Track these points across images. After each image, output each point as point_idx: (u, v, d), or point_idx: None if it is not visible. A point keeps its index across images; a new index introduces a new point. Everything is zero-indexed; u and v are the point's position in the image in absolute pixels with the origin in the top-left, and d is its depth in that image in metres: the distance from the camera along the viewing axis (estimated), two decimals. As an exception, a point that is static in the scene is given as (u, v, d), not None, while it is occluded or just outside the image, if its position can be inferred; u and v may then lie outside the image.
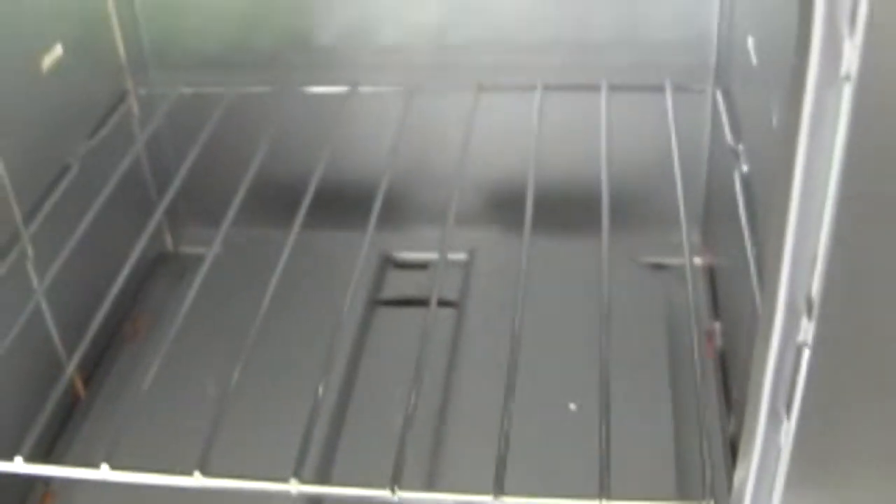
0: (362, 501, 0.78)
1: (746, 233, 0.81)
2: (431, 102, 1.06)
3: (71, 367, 0.81)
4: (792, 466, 0.55)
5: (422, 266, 1.13)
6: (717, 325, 1.01)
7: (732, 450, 0.87)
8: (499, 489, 0.66)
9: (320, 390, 0.77)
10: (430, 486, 0.86)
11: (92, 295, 0.91)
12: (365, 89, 1.06)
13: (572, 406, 0.91)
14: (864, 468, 0.53)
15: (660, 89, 1.01)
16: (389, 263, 1.14)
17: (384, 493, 0.66)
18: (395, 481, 0.67)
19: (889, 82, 0.41)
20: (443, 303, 1.00)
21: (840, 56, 0.41)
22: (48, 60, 0.94)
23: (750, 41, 0.85)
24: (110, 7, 1.06)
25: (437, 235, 0.96)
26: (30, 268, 0.91)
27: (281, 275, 0.86)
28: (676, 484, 0.85)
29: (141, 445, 0.74)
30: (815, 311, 0.47)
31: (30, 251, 0.91)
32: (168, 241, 1.21)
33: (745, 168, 0.86)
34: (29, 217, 0.91)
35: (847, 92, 0.42)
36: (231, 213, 0.92)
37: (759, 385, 0.52)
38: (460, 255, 1.10)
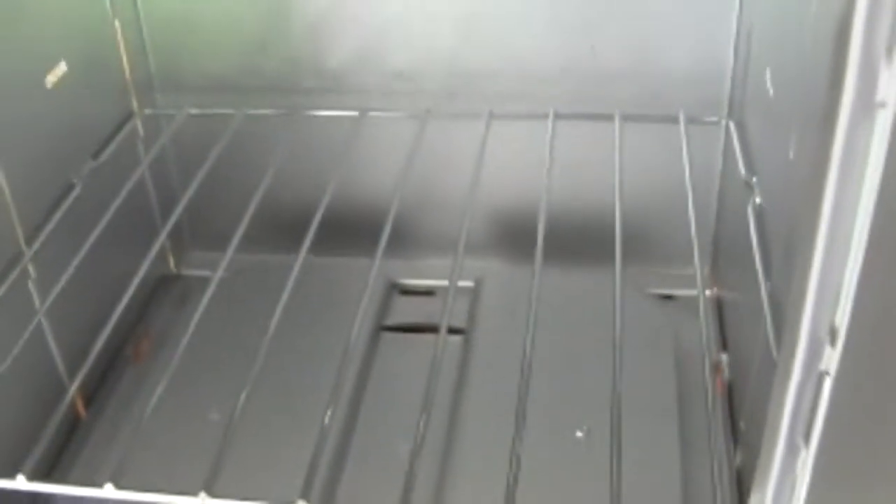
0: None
1: (759, 265, 0.81)
2: (441, 129, 1.06)
3: (73, 388, 0.80)
4: (809, 497, 0.55)
5: (428, 293, 1.13)
6: (725, 357, 1.00)
7: (738, 481, 0.87)
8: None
9: (327, 415, 0.76)
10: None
11: (94, 315, 0.90)
12: (375, 114, 1.06)
13: (579, 433, 0.91)
14: (883, 497, 0.52)
15: (673, 120, 1.01)
16: (395, 290, 1.13)
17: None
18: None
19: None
20: (450, 330, 1.00)
21: (876, 83, 0.41)
22: (52, 78, 0.94)
23: (768, 72, 0.85)
24: (116, 26, 1.05)
25: (443, 263, 0.96)
26: (32, 287, 0.91)
27: (286, 299, 0.85)
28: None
29: (144, 466, 0.73)
30: (840, 340, 0.46)
31: (32, 271, 0.90)
32: (171, 263, 1.20)
33: (758, 200, 0.86)
34: (31, 236, 0.91)
35: (882, 119, 0.41)
36: (237, 237, 0.92)
37: (778, 414, 0.51)
38: (467, 283, 1.10)
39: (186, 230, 1.19)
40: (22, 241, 0.90)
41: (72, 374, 0.96)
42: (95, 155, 1.01)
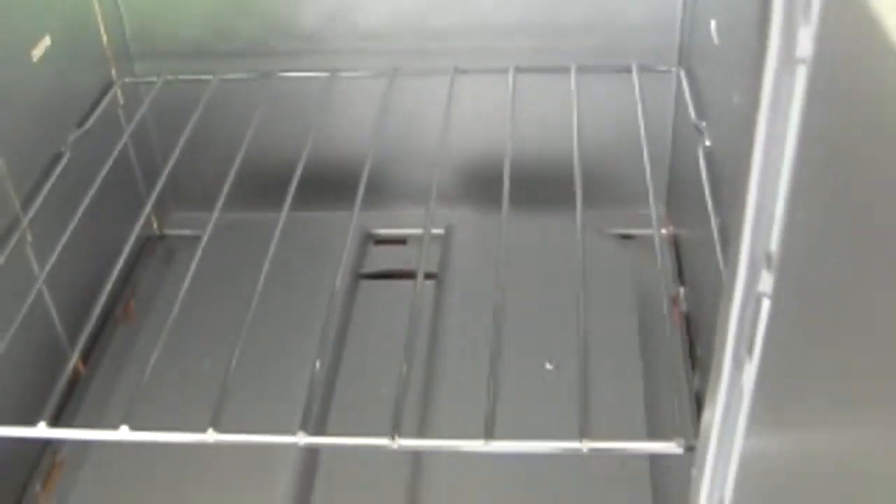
0: (360, 451, 0.83)
1: (710, 202, 0.87)
2: (410, 86, 1.11)
3: (76, 353, 0.85)
4: (753, 407, 0.61)
5: (401, 241, 1.19)
6: (682, 291, 1.07)
7: (697, 403, 0.94)
8: (489, 434, 0.72)
9: (317, 363, 0.82)
10: (422, 437, 0.91)
11: (84, 278, 0.95)
12: (346, 74, 1.11)
13: (548, 365, 0.97)
14: (818, 409, 0.59)
15: (627, 70, 1.07)
16: (371, 240, 1.19)
17: (385, 441, 0.72)
18: (395, 430, 0.72)
19: (839, 65, 0.47)
20: (425, 275, 1.06)
21: (795, 41, 0.47)
22: (37, 52, 0.98)
23: (713, 24, 0.91)
24: (94, -1, 1.10)
25: (413, 213, 1.01)
26: (29, 252, 0.96)
27: (270, 254, 0.91)
28: (647, 430, 0.91)
29: (149, 413, 0.78)
30: (774, 264, 0.53)
31: (29, 236, 0.95)
32: (154, 225, 1.25)
33: (707, 143, 0.92)
34: (26, 203, 0.96)
35: (801, 73, 0.48)
36: (222, 197, 0.96)
37: (725, 332, 0.58)
38: (438, 231, 1.15)
39: (168, 192, 1.23)
40: (18, 208, 0.95)
41: (69, 333, 1.02)
42: (80, 124, 1.06)
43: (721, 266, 0.79)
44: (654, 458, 0.89)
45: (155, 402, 0.80)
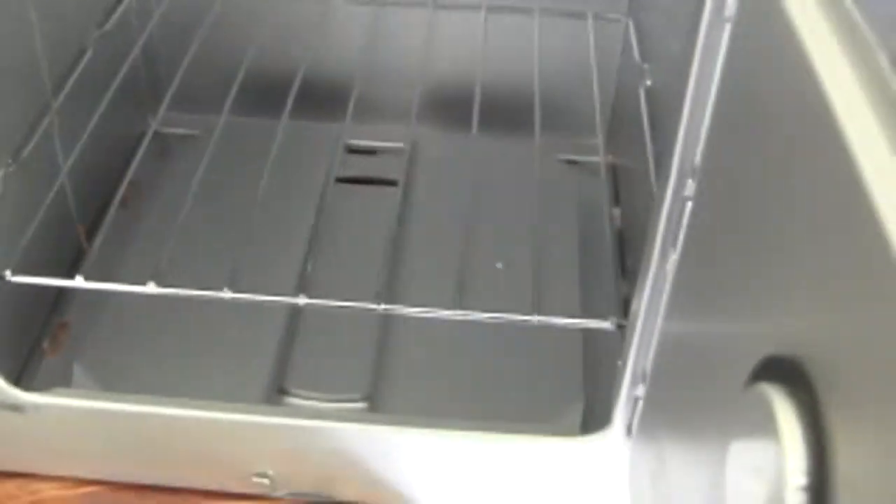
0: (345, 313, 0.98)
1: (647, 133, 1.03)
2: (395, 15, 1.26)
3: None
4: (673, 293, 0.78)
5: (372, 152, 1.33)
6: (618, 211, 1.24)
7: (625, 304, 1.10)
8: (458, 303, 0.88)
9: (308, 265, 0.97)
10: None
11: (95, 170, 1.07)
12: (338, 1, 1.26)
13: (499, 265, 1.13)
14: (723, 300, 0.75)
15: (583, 16, 1.23)
16: (345, 149, 1.33)
17: (373, 305, 0.88)
18: (380, 297, 0.88)
19: (752, 25, 0.63)
20: (391, 182, 1.22)
21: (724, 3, 0.63)
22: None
23: (659, -19, 1.07)
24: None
25: (385, 129, 1.18)
26: (56, 139, 1.08)
27: (258, 156, 1.05)
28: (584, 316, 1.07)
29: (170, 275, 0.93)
30: (697, 174, 0.70)
31: (56, 122, 1.08)
32: (149, 121, 1.38)
33: (648, 83, 1.08)
34: (55, 90, 1.08)
35: (727, 29, 0.64)
36: (228, 102, 1.10)
37: (656, 228, 0.75)
38: (404, 145, 1.30)
39: (162, 93, 1.36)
40: (50, 94, 1.08)
41: (79, 211, 1.15)
42: (100, 25, 1.19)
43: (654, 184, 0.95)
44: (587, 339, 1.05)
45: (174, 263, 0.94)
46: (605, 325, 0.89)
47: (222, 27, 1.24)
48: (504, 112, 1.27)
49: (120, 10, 1.21)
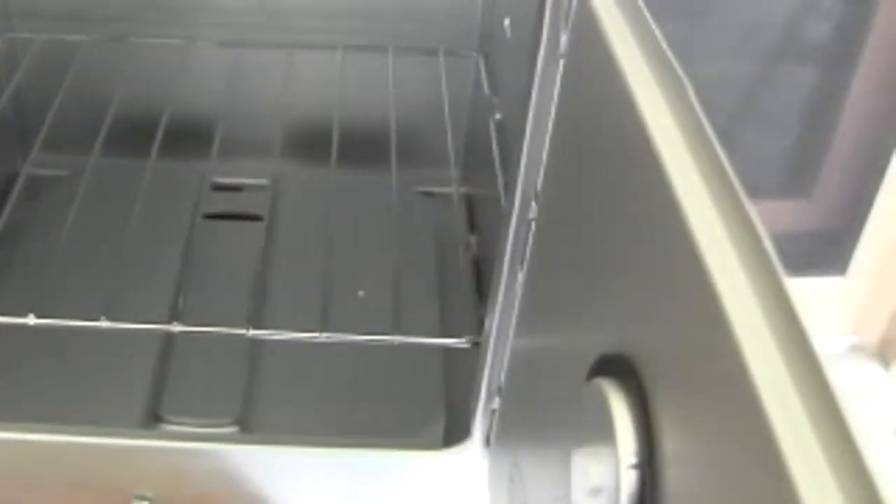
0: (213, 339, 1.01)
1: (497, 164, 1.10)
2: (255, 57, 1.31)
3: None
4: (521, 309, 0.84)
5: (237, 189, 1.37)
6: (473, 238, 1.30)
7: (480, 322, 1.16)
8: (323, 327, 0.93)
9: (180, 303, 1.00)
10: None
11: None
12: (201, 44, 1.29)
13: (361, 293, 1.18)
14: (564, 312, 0.82)
15: (434, 53, 1.30)
16: (211, 186, 1.37)
17: (242, 331, 0.92)
18: (250, 321, 0.92)
19: (586, 59, 0.69)
20: (256, 217, 1.26)
21: (559, 41, 0.70)
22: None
23: (507, 21, 1.14)
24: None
25: (249, 165, 1.23)
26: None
27: (128, 195, 1.08)
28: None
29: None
30: (539, 199, 0.76)
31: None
32: (17, 163, 1.39)
33: (498, 116, 1.15)
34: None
35: (561, 65, 0.71)
36: (98, 143, 1.13)
37: (504, 250, 0.81)
38: (267, 181, 1.34)
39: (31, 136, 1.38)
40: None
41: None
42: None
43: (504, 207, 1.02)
44: (447, 359, 1.11)
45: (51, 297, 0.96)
46: (462, 342, 0.95)
47: (89, 71, 1.27)
48: (362, 147, 1.32)
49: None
